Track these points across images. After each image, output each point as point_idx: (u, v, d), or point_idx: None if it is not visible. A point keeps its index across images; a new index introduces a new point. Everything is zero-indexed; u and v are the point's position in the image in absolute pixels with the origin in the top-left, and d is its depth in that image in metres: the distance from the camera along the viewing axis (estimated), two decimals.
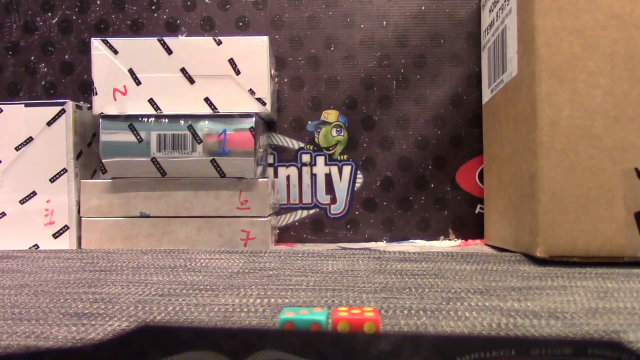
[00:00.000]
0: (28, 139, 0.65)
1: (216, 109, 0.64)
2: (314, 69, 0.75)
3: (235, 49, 0.64)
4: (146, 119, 0.64)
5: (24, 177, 0.65)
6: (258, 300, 0.38)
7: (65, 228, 0.65)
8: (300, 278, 0.45)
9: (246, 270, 0.48)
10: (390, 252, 0.57)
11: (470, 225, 0.75)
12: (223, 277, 0.46)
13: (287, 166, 0.76)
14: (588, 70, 0.50)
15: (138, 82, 0.64)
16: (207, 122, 0.64)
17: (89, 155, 0.69)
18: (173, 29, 0.76)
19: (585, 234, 0.49)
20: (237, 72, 0.64)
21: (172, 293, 0.40)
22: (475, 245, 0.71)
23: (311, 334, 0.18)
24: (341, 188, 0.76)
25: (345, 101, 0.75)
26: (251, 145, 0.64)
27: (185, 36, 0.75)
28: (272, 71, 0.69)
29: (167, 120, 0.64)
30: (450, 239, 0.75)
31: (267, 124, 0.74)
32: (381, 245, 0.72)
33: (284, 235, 0.76)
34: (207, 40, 0.64)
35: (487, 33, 0.69)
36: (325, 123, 0.75)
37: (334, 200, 0.76)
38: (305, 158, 0.76)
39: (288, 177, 0.76)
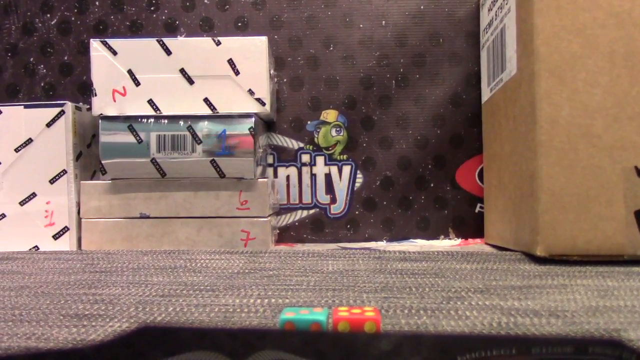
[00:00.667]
0: (27, 140, 0.65)
1: (215, 109, 0.64)
2: (313, 69, 0.75)
3: (235, 49, 0.64)
4: (146, 120, 0.64)
5: (23, 179, 0.65)
6: (258, 301, 0.38)
7: (65, 229, 0.65)
8: (301, 278, 0.45)
9: (246, 271, 0.48)
10: (390, 252, 0.57)
11: (470, 225, 0.75)
12: (223, 277, 0.46)
13: (287, 166, 0.76)
14: (587, 69, 0.50)
15: (137, 83, 0.64)
16: (206, 122, 0.64)
17: (89, 156, 0.69)
18: (172, 30, 0.76)
19: (585, 232, 0.49)
20: (237, 73, 0.64)
21: (173, 294, 0.40)
22: (475, 245, 0.71)
23: (312, 334, 0.18)
24: (341, 188, 0.76)
25: (344, 101, 0.75)
26: (251, 145, 0.64)
27: (185, 37, 0.75)
28: (272, 71, 0.69)
29: (166, 121, 0.64)
30: (450, 238, 0.75)
31: (266, 124, 0.74)
32: (381, 244, 0.72)
33: (284, 235, 0.76)
34: (206, 41, 0.64)
35: (486, 32, 0.69)
36: (324, 123, 0.75)
37: (333, 200, 0.76)
38: (305, 158, 0.76)
39: (288, 177, 0.76)
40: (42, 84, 0.77)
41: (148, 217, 0.64)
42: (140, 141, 0.64)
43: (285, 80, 0.75)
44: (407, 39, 0.75)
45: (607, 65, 0.50)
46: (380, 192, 0.75)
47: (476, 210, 0.75)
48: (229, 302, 0.38)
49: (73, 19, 0.76)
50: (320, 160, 0.76)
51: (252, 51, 0.64)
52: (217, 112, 0.64)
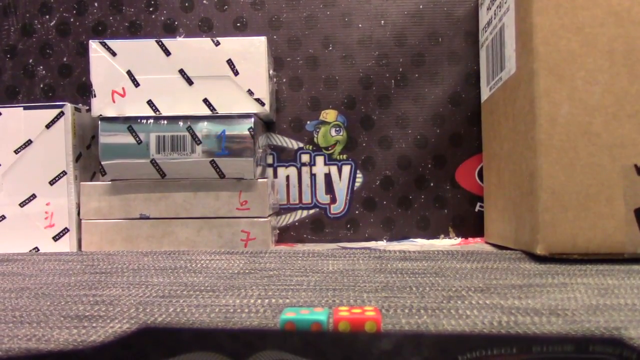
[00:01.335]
0: (27, 141, 0.65)
1: (215, 109, 0.64)
2: (312, 68, 0.75)
3: (234, 49, 0.64)
4: (145, 121, 0.64)
5: (23, 180, 0.65)
6: (259, 301, 0.38)
7: (65, 230, 0.65)
8: (301, 278, 0.45)
9: (247, 271, 0.48)
10: (390, 251, 0.57)
11: (470, 224, 0.75)
12: (224, 278, 0.46)
13: (287, 166, 0.76)
14: (587, 67, 0.50)
15: (136, 84, 0.64)
16: (206, 123, 0.64)
17: (88, 157, 0.69)
18: (171, 30, 0.76)
19: (585, 231, 0.49)
20: (236, 73, 0.64)
21: (173, 294, 0.40)
22: (476, 244, 0.71)
23: (312, 334, 0.18)
24: (341, 188, 0.76)
25: (344, 101, 0.75)
26: (250, 145, 0.64)
27: (184, 37, 0.75)
28: (271, 71, 0.69)
29: (166, 122, 0.64)
30: (450, 238, 0.75)
31: (266, 124, 0.74)
32: (381, 244, 0.72)
33: (284, 235, 0.76)
34: (205, 41, 0.64)
35: (485, 31, 0.69)
36: (324, 123, 0.75)
37: (333, 200, 0.76)
38: (305, 158, 0.75)
39: (287, 177, 0.76)
40: (42, 85, 0.77)
41: (148, 218, 0.64)
42: (139, 142, 0.64)
43: (284, 80, 0.75)
44: (406, 39, 0.75)
45: (606, 63, 0.50)
46: (380, 191, 0.75)
47: (476, 209, 0.75)
48: (230, 303, 0.38)
49: (72, 20, 0.76)
50: (320, 160, 0.76)
51: (251, 51, 0.64)
52: (217, 113, 0.64)
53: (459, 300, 0.37)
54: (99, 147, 0.64)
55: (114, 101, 0.64)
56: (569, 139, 0.50)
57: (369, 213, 0.75)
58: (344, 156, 0.76)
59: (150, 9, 0.76)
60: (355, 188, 0.76)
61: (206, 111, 0.64)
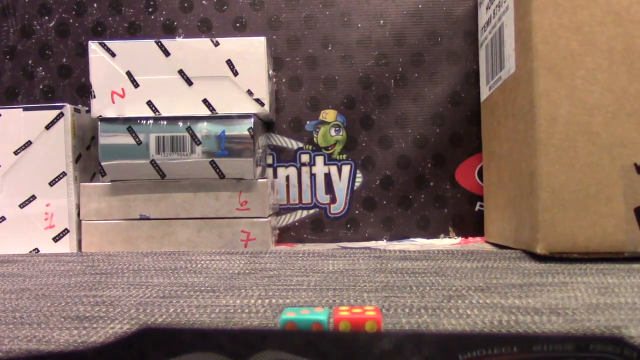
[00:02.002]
0: (27, 143, 0.65)
1: (214, 110, 0.64)
2: (311, 68, 0.75)
3: (233, 50, 0.64)
4: (145, 121, 0.64)
5: (23, 181, 0.65)
6: (259, 301, 0.38)
7: (65, 231, 0.65)
8: (301, 278, 0.45)
9: (247, 271, 0.48)
10: (390, 251, 0.57)
11: (470, 223, 0.75)
12: (224, 278, 0.46)
13: (287, 166, 0.76)
14: (586, 67, 0.50)
15: (136, 85, 0.64)
16: (205, 123, 0.64)
17: (88, 158, 0.69)
18: (170, 31, 0.76)
19: (585, 230, 0.49)
20: (235, 73, 0.64)
21: (173, 295, 0.40)
22: (476, 243, 0.71)
23: (313, 334, 0.18)
24: (341, 187, 0.76)
25: (343, 101, 0.75)
26: (250, 146, 0.64)
27: (183, 38, 0.75)
28: (270, 71, 0.69)
29: (165, 122, 0.64)
30: (450, 237, 0.75)
31: (265, 125, 0.74)
32: (381, 244, 0.72)
33: (284, 235, 0.76)
34: (204, 42, 0.64)
35: (485, 30, 0.69)
36: (323, 123, 0.75)
37: (333, 200, 0.76)
38: (305, 158, 0.75)
39: (287, 178, 0.76)
40: (41, 87, 0.77)
41: (148, 219, 0.64)
42: (139, 143, 0.64)
43: (284, 80, 0.75)
44: (406, 38, 0.75)
45: (605, 62, 0.50)
46: (380, 191, 0.75)
47: (476, 209, 0.75)
48: (230, 303, 0.38)
49: (71, 21, 0.76)
50: (319, 160, 0.76)
51: (251, 52, 0.64)
52: (216, 113, 0.64)
53: (460, 300, 0.37)
54: (99, 148, 0.64)
55: (113, 102, 0.64)
56: (569, 138, 0.50)
57: (369, 213, 0.75)
58: (344, 156, 0.76)
59: (150, 10, 0.76)
60: (355, 188, 0.76)
61: (206, 111, 0.64)
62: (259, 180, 0.64)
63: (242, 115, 0.64)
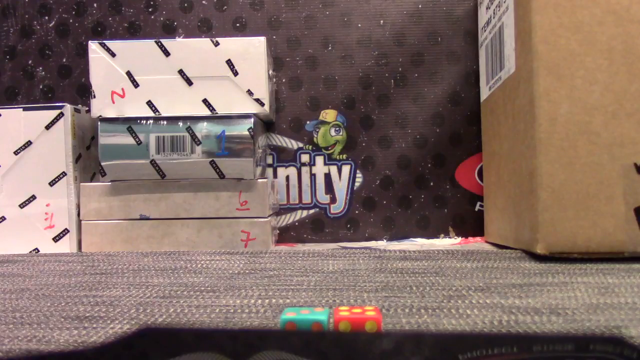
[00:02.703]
0: (27, 143, 0.65)
1: (214, 110, 0.64)
2: (311, 68, 0.75)
3: (233, 50, 0.64)
4: (145, 121, 0.64)
5: (23, 181, 0.65)
6: (259, 301, 0.38)
7: (66, 231, 0.65)
8: (301, 278, 0.45)
9: (247, 271, 0.48)
10: (390, 251, 0.57)
11: (470, 223, 0.75)
12: (224, 278, 0.46)
13: (287, 166, 0.76)
14: (586, 67, 0.50)
15: (136, 85, 0.64)
16: (205, 123, 0.64)
17: (88, 158, 0.69)
18: (170, 31, 0.76)
19: (585, 229, 0.49)
20: (235, 73, 0.64)
21: (173, 295, 0.40)
22: (476, 243, 0.71)
23: (313, 334, 0.18)
24: (341, 187, 0.76)
25: (343, 101, 0.75)
26: (250, 146, 0.64)
27: (183, 38, 0.75)
28: (270, 71, 0.69)
29: (165, 122, 0.64)
30: (450, 237, 0.75)
31: (265, 125, 0.74)
32: (381, 244, 0.72)
33: (284, 235, 0.76)
34: (204, 42, 0.64)
35: (485, 30, 0.69)
36: (323, 123, 0.75)
37: (333, 200, 0.76)
38: (305, 158, 0.75)
39: (287, 178, 0.76)
40: (41, 87, 0.77)
41: (148, 219, 0.64)
42: (139, 143, 0.64)
43: (284, 80, 0.75)
44: (405, 38, 0.75)
45: (605, 62, 0.50)
46: (380, 191, 0.75)
47: (476, 209, 0.75)
48: (230, 303, 0.38)
49: (71, 21, 0.76)
50: (319, 160, 0.76)
51: (251, 52, 0.64)
52: (216, 113, 0.64)
53: (460, 300, 0.37)
54: (99, 148, 0.64)
55: (113, 102, 0.64)
56: (569, 138, 0.50)
57: (369, 213, 0.75)
58: (344, 156, 0.76)
59: (150, 10, 0.76)
60: (355, 188, 0.76)
61: (206, 111, 0.64)
62: (259, 180, 0.64)
63: (242, 115, 0.64)
